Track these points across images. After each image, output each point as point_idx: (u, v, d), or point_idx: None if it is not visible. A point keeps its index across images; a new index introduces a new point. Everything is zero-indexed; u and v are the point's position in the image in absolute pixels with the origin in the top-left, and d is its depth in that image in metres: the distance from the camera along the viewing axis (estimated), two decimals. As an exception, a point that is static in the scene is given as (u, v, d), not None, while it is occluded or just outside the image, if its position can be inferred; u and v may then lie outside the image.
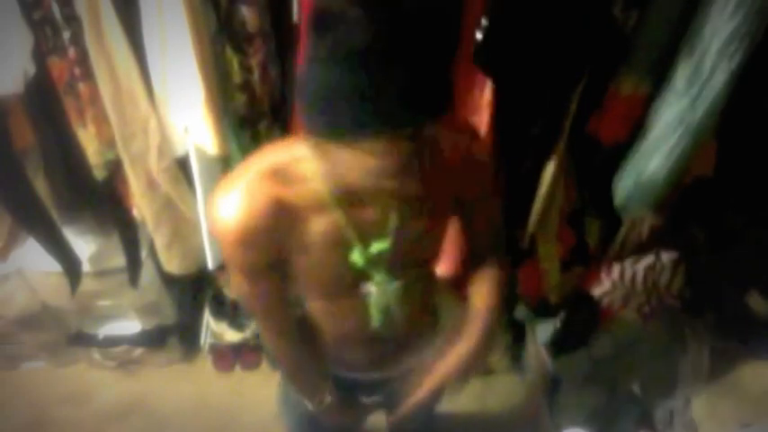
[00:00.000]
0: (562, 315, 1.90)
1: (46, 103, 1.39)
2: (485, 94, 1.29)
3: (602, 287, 1.78)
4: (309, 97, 0.70)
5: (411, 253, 0.97)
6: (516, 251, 1.66)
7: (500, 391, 2.01)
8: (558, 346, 1.92)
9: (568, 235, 1.68)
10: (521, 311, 1.94)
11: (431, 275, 1.12)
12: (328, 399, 1.13)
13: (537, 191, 1.50)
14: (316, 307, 1.06)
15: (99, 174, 1.50)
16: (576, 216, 1.64)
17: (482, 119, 1.32)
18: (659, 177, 1.36)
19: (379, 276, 0.97)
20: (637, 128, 1.36)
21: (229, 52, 1.32)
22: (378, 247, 0.92)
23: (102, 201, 1.61)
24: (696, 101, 1.23)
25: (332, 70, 0.65)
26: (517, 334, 2.03)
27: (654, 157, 1.33)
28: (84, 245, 1.82)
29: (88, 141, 1.44)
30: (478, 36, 1.18)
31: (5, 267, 1.90)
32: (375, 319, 1.03)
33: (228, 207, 0.83)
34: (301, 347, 1.07)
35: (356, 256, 0.92)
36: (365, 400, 1.26)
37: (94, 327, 2.11)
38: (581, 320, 1.87)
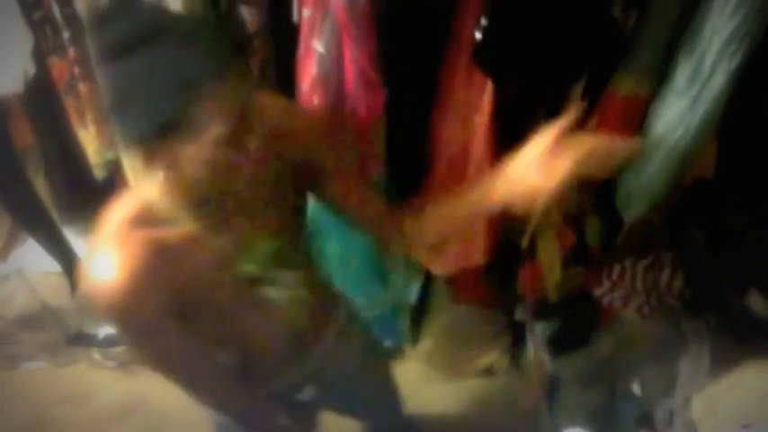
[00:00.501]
0: (562, 315, 1.90)
1: (46, 103, 1.39)
2: (485, 94, 1.29)
3: (602, 287, 1.78)
4: (124, 104, 0.70)
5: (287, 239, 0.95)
6: (516, 251, 1.66)
7: (500, 391, 2.01)
8: (558, 346, 1.91)
9: (568, 235, 1.68)
10: (521, 311, 1.94)
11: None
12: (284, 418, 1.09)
13: (537, 191, 1.50)
14: (218, 328, 0.98)
15: (99, 174, 1.50)
16: (576, 216, 1.64)
17: (482, 119, 1.32)
18: (659, 178, 1.35)
19: (277, 275, 0.95)
20: (636, 128, 1.36)
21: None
22: (268, 247, 0.90)
23: (102, 201, 1.61)
24: (696, 101, 1.23)
25: (118, 68, 0.68)
26: (517, 334, 2.03)
27: (654, 157, 1.33)
28: (84, 245, 1.82)
29: (88, 141, 1.44)
30: (478, 36, 1.18)
31: (5, 267, 1.91)
32: (293, 317, 1.00)
33: (105, 268, 0.78)
34: (240, 380, 1.02)
35: (249, 266, 0.89)
36: (301, 397, 1.21)
37: (94, 327, 2.11)
38: (581, 320, 1.87)
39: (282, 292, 0.97)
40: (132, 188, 0.87)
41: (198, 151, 0.70)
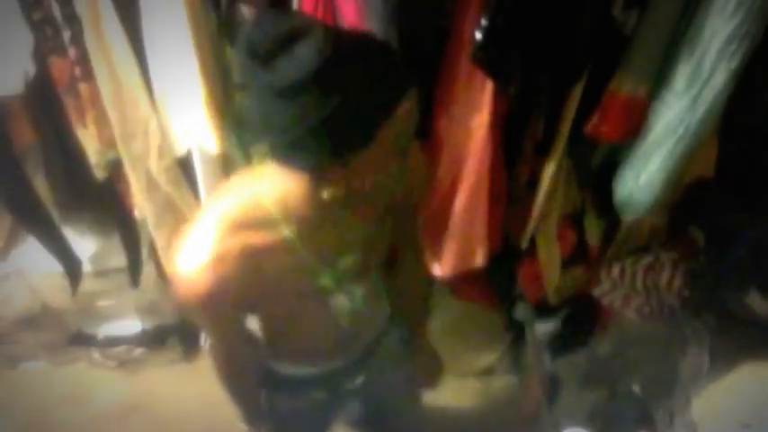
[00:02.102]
0: (562, 315, 1.90)
1: (46, 103, 1.39)
2: (485, 94, 1.29)
3: (602, 287, 1.78)
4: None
5: (377, 255, 0.99)
6: (516, 251, 1.66)
7: (500, 391, 2.01)
8: (558, 346, 1.91)
9: (568, 235, 1.67)
10: (521, 311, 1.94)
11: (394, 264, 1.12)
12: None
13: (537, 191, 1.50)
14: (279, 319, 1.04)
15: (99, 174, 1.50)
16: (576, 216, 1.64)
17: (482, 118, 1.32)
18: (659, 178, 1.35)
19: (346, 287, 0.97)
20: (636, 128, 1.36)
21: (229, 51, 1.32)
22: (345, 263, 0.93)
23: (103, 201, 1.62)
24: (696, 101, 1.23)
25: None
26: (517, 334, 2.03)
27: (653, 157, 1.33)
28: (84, 245, 1.82)
29: (88, 141, 1.44)
30: (478, 36, 1.18)
31: (5, 267, 1.91)
32: (344, 321, 1.03)
33: (199, 272, 0.81)
34: (247, 373, 1.12)
35: (326, 280, 0.92)
36: (349, 394, 1.27)
37: (94, 327, 2.11)
38: (581, 320, 1.87)
39: (343, 301, 0.99)
40: (246, 179, 0.87)
41: (372, 165, 0.72)
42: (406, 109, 0.70)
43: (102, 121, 1.39)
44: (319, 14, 1.21)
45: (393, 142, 0.71)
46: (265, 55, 0.65)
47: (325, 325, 1.03)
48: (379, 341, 1.21)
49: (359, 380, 1.23)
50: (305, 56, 0.63)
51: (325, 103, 0.64)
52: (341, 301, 0.99)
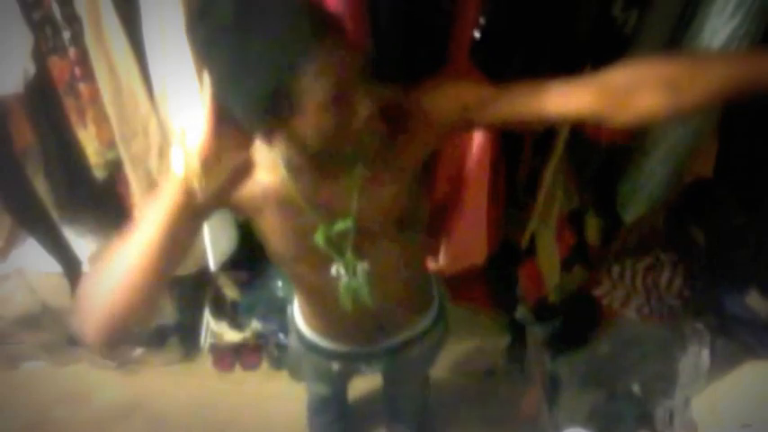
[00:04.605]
0: (562, 315, 1.90)
1: (46, 103, 1.39)
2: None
3: (602, 287, 1.78)
4: (229, 87, 0.76)
5: (382, 228, 0.95)
6: (516, 251, 1.66)
7: (500, 391, 2.01)
8: (558, 346, 1.91)
9: (568, 235, 1.68)
10: (521, 312, 1.94)
11: (414, 243, 1.07)
12: None
13: (537, 191, 1.50)
14: (296, 282, 1.10)
15: (99, 174, 1.50)
16: (575, 216, 1.64)
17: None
18: (659, 177, 1.36)
19: (344, 257, 0.96)
20: (636, 128, 1.36)
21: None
22: (340, 226, 0.91)
23: (102, 201, 1.61)
24: (696, 101, 1.23)
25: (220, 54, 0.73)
26: (517, 334, 2.03)
27: (654, 157, 1.34)
28: (84, 245, 1.82)
29: (88, 141, 1.44)
30: (476, 36, 1.18)
31: (5, 267, 1.90)
32: (344, 301, 1.01)
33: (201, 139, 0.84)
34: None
35: (318, 235, 0.92)
36: (364, 370, 1.31)
37: (94, 327, 2.11)
38: (581, 320, 1.87)
39: (344, 276, 0.98)
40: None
41: (305, 120, 0.74)
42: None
43: (101, 120, 1.39)
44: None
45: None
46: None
47: (333, 303, 1.03)
48: (409, 346, 1.23)
49: (376, 367, 1.30)
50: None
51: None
52: (341, 272, 0.97)
